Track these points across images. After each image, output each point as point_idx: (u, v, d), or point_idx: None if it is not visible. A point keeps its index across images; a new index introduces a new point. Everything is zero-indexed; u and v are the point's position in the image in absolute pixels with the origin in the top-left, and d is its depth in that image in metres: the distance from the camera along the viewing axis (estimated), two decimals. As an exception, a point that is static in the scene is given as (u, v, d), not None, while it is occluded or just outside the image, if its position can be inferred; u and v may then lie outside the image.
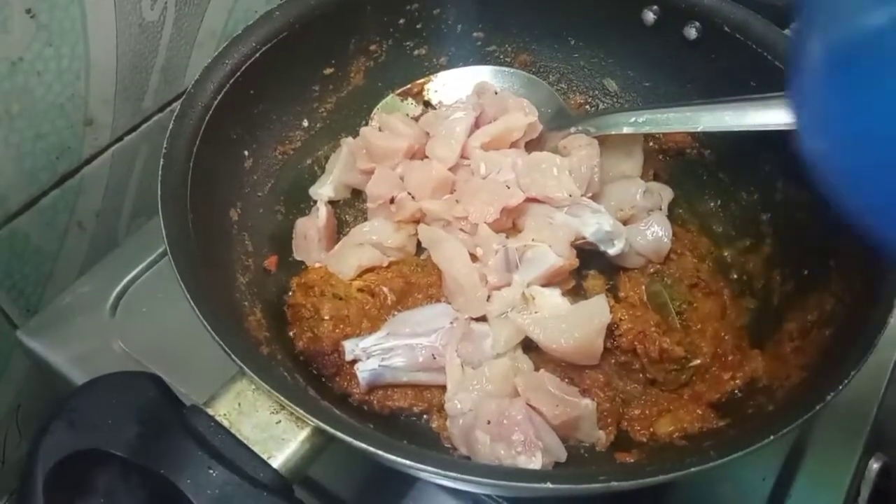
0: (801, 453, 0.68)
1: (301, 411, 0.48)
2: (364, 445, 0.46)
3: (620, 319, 0.65)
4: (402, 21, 0.79)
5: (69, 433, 0.46)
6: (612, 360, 0.65)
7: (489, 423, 0.57)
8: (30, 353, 0.74)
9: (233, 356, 0.49)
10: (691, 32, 0.74)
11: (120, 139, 0.80)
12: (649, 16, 0.76)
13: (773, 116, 0.64)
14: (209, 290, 0.55)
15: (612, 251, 0.68)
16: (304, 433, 0.49)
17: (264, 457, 0.48)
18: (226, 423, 0.49)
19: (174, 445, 0.46)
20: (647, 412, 0.63)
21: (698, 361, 0.65)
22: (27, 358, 0.76)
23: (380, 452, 0.46)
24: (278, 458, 0.48)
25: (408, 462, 0.46)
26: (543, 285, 0.66)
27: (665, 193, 0.75)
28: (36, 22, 0.66)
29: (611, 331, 0.64)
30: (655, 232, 0.71)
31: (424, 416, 0.64)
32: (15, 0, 0.63)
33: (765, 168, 0.71)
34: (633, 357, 0.65)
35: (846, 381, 0.50)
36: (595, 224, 0.67)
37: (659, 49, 0.77)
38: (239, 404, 0.50)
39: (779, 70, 0.68)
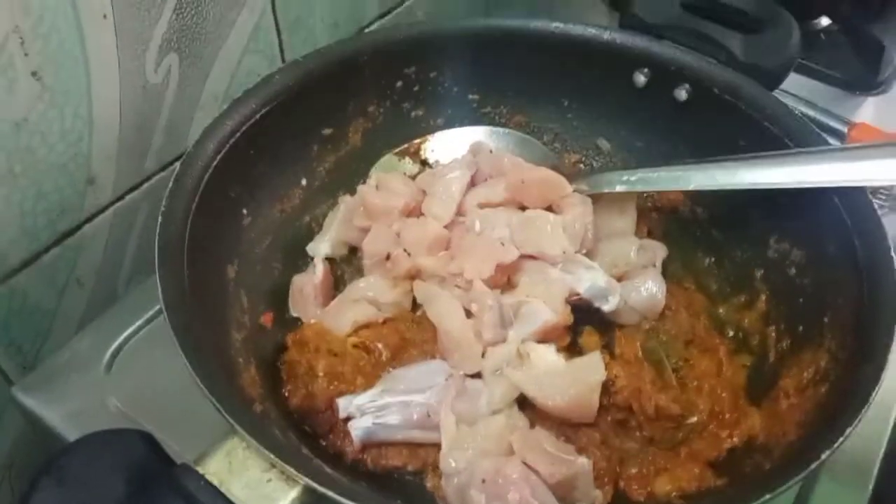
0: (802, 513, 0.67)
1: (291, 469, 0.47)
2: (355, 505, 0.46)
3: (616, 376, 0.65)
4: (399, 84, 0.81)
5: (57, 491, 0.46)
6: (609, 418, 0.65)
7: (484, 481, 0.57)
8: (24, 410, 0.73)
9: (224, 413, 0.49)
10: (682, 94, 0.76)
11: (121, 198, 0.81)
12: (640, 78, 0.78)
13: (763, 175, 0.65)
14: (204, 347, 0.55)
15: (606, 307, 0.69)
16: (294, 492, 0.48)
17: (254, 516, 0.47)
18: (215, 482, 0.48)
19: (163, 504, 0.46)
20: (644, 471, 0.62)
21: (695, 419, 0.65)
22: (21, 415, 0.75)
23: (371, 512, 0.46)
24: (268, 518, 0.48)
25: (400, 522, 0.46)
26: (539, 341, 0.66)
27: (659, 251, 0.76)
28: (41, 84, 0.67)
29: (606, 388, 0.64)
30: (650, 288, 0.71)
31: (419, 475, 0.63)
32: (21, 63, 0.65)
33: (757, 225, 0.72)
34: (629, 414, 0.64)
35: (842, 439, 0.49)
36: (589, 280, 0.68)
37: (650, 110, 0.79)
38: (230, 462, 0.49)
39: (767, 130, 0.70)
